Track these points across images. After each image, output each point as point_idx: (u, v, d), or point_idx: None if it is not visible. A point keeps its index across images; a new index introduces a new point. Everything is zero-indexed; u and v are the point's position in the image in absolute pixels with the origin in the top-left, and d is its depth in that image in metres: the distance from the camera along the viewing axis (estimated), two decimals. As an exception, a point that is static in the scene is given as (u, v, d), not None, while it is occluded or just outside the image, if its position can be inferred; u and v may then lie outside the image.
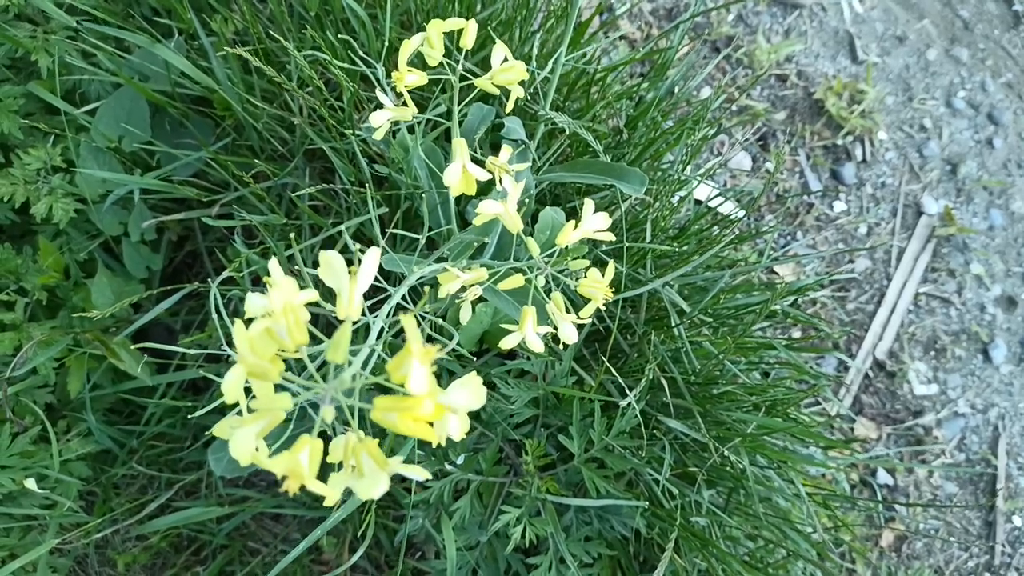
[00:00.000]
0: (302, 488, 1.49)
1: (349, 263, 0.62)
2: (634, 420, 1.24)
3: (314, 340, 0.60)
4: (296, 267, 0.80)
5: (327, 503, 0.56)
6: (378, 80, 1.07)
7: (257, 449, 0.56)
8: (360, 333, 1.23)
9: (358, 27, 1.25)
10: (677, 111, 1.58)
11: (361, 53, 1.09)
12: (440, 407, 0.53)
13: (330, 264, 0.58)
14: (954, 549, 1.93)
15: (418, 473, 0.57)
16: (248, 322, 0.54)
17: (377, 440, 0.59)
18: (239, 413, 0.58)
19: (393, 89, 0.94)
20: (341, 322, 0.56)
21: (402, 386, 0.53)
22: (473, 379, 0.58)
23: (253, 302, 0.59)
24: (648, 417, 1.34)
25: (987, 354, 2.05)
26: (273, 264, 0.58)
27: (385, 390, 0.57)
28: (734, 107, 2.12)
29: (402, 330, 0.95)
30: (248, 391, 0.65)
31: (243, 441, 0.53)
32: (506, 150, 0.86)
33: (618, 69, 1.48)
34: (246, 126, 1.33)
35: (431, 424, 0.54)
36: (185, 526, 1.52)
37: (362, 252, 0.65)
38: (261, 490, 1.59)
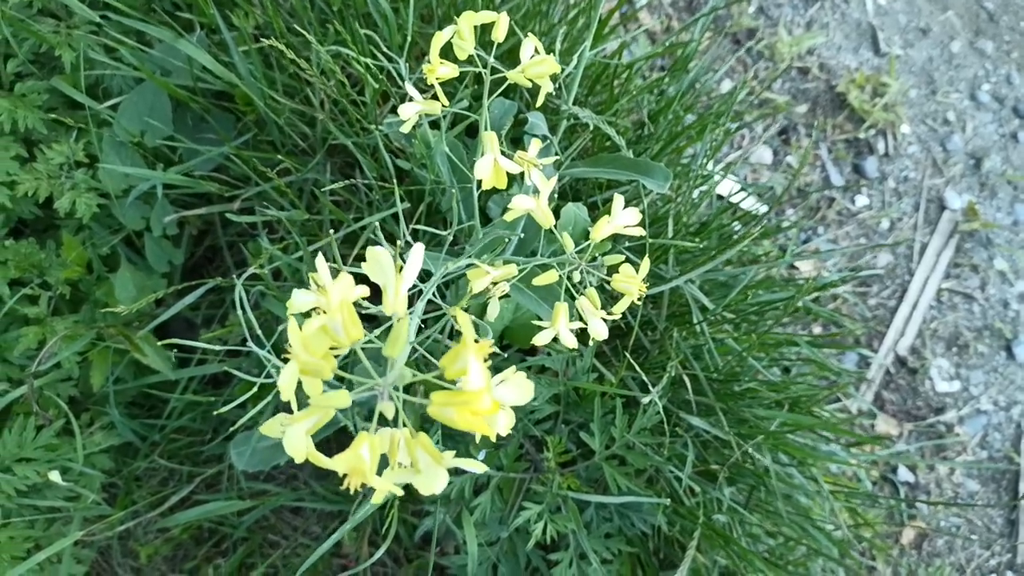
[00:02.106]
0: (323, 481, 1.49)
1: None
2: (656, 417, 1.23)
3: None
4: (332, 263, 0.79)
5: (374, 500, 0.56)
6: (400, 75, 1.07)
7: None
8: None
9: (380, 22, 1.24)
10: (698, 105, 1.56)
11: (384, 48, 1.08)
12: (496, 402, 0.53)
13: (377, 260, 0.58)
14: (976, 547, 1.91)
15: (475, 467, 0.58)
16: (298, 318, 0.54)
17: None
18: (289, 409, 0.58)
19: (416, 84, 0.93)
20: (387, 318, 0.56)
21: (452, 382, 0.53)
22: (519, 376, 0.58)
23: (298, 299, 0.59)
24: (669, 414, 1.34)
25: (1010, 351, 2.03)
26: (320, 261, 0.57)
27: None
28: (755, 100, 2.09)
29: (432, 322, 0.94)
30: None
31: (296, 438, 0.53)
32: (535, 144, 0.86)
33: (639, 64, 1.46)
34: (267, 121, 1.33)
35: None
36: (206, 519, 1.53)
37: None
38: (281, 483, 1.60)
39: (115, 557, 1.55)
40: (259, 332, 0.95)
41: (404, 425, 0.56)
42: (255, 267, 1.07)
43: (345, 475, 0.52)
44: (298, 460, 0.54)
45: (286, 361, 0.55)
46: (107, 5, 1.28)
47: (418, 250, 0.59)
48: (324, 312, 0.55)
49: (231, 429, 1.24)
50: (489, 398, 0.52)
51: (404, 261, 0.62)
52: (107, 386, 1.38)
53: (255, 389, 0.94)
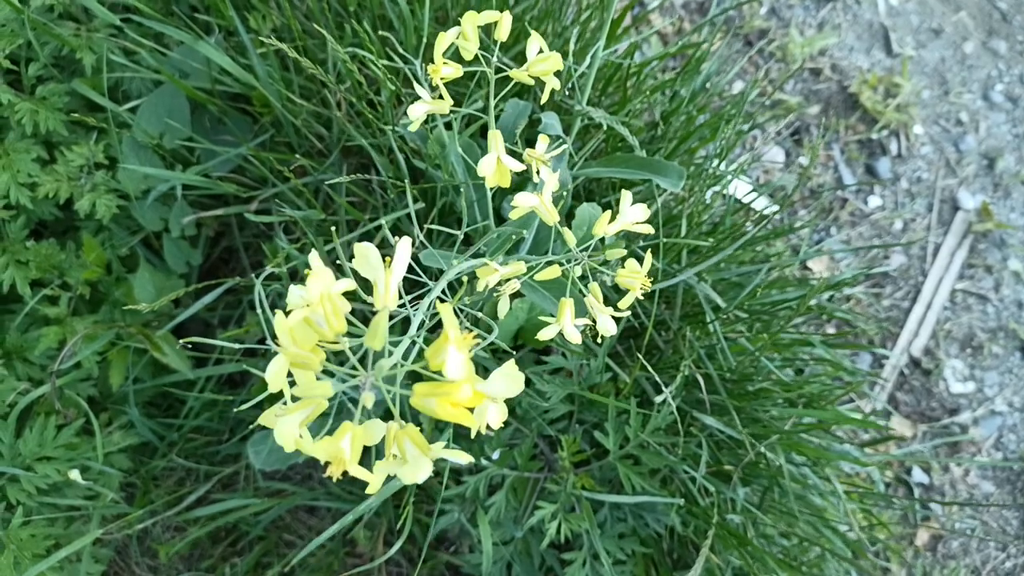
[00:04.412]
0: (339, 481, 1.50)
1: (388, 257, 0.64)
2: (670, 417, 1.23)
3: (356, 334, 0.61)
4: (337, 260, 0.81)
5: (368, 490, 0.57)
6: (415, 76, 1.08)
7: (301, 436, 0.57)
8: (398, 327, 1.23)
9: (397, 23, 1.25)
10: (710, 106, 1.57)
11: (400, 49, 1.09)
12: (478, 393, 0.54)
13: (365, 256, 0.59)
14: (991, 549, 1.90)
15: (460, 457, 0.58)
16: (289, 314, 0.55)
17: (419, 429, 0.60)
18: (282, 403, 0.59)
19: (430, 84, 0.94)
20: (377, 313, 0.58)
21: (440, 373, 0.54)
22: (510, 368, 0.59)
23: (294, 294, 0.60)
24: (683, 414, 1.34)
25: (1025, 352, 2.02)
26: (313, 256, 0.59)
27: (420, 379, 0.58)
28: (767, 101, 2.10)
29: (440, 323, 0.95)
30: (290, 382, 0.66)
31: (287, 428, 0.54)
32: (543, 140, 0.86)
33: (652, 64, 1.47)
34: (284, 122, 1.34)
35: (470, 411, 0.55)
36: (223, 517, 1.54)
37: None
38: (297, 483, 1.61)
39: (133, 556, 1.56)
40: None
41: (395, 418, 0.57)
42: (273, 266, 1.08)
43: (328, 463, 0.54)
44: (288, 449, 0.55)
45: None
46: (127, 8, 1.30)
47: (404, 244, 0.60)
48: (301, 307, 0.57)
49: (248, 429, 1.25)
50: (469, 388, 0.53)
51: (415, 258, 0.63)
52: (126, 386, 1.40)
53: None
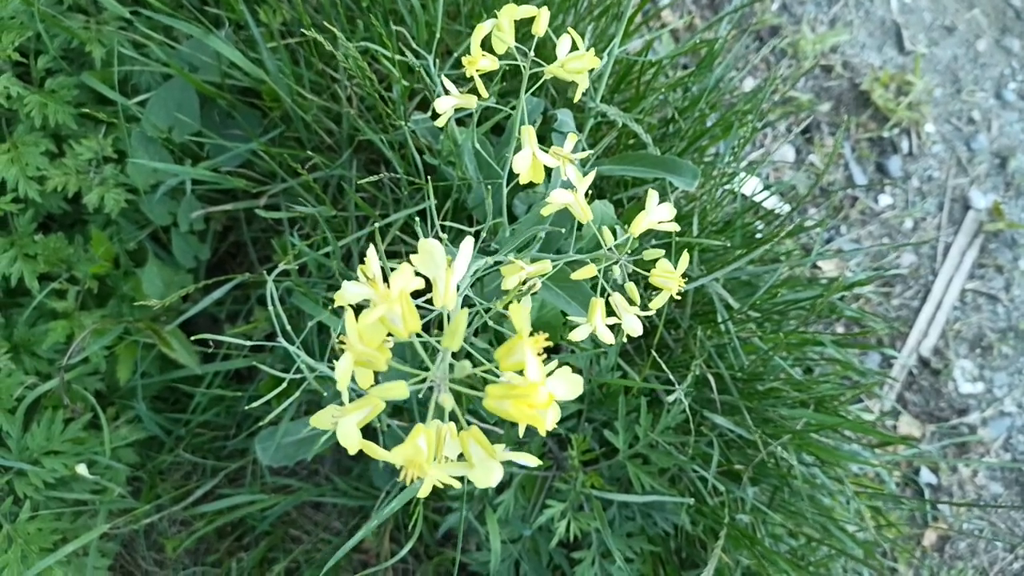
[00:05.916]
0: (347, 477, 1.48)
1: (396, 255, 0.63)
2: (680, 416, 1.23)
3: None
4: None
5: (423, 491, 0.56)
6: (427, 71, 1.07)
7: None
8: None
9: (408, 18, 1.24)
10: (722, 103, 1.55)
11: (413, 45, 1.08)
12: (551, 395, 0.53)
13: (429, 252, 0.58)
14: (999, 550, 1.89)
15: (527, 460, 0.58)
16: (356, 310, 0.54)
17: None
18: (318, 404, 0.58)
19: (465, 76, 0.92)
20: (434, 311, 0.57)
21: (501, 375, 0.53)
22: (566, 370, 0.58)
23: (349, 291, 0.59)
24: (693, 413, 1.33)
25: (1035, 352, 2.01)
26: (371, 253, 0.58)
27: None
28: (778, 98, 2.08)
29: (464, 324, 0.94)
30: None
31: (348, 429, 0.53)
32: (570, 139, 0.85)
33: (664, 61, 1.46)
34: (294, 117, 1.33)
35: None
36: (229, 513, 1.54)
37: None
38: (303, 478, 1.61)
39: (139, 550, 1.56)
40: (288, 327, 0.95)
41: (456, 419, 0.56)
42: (284, 263, 1.07)
43: (402, 467, 0.53)
44: (351, 451, 0.54)
45: (335, 354, 0.56)
46: (136, 1, 1.29)
47: (467, 244, 0.59)
48: (375, 304, 0.56)
49: (257, 425, 1.25)
50: (545, 391, 0.52)
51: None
52: (133, 380, 1.40)
53: (284, 385, 0.95)
